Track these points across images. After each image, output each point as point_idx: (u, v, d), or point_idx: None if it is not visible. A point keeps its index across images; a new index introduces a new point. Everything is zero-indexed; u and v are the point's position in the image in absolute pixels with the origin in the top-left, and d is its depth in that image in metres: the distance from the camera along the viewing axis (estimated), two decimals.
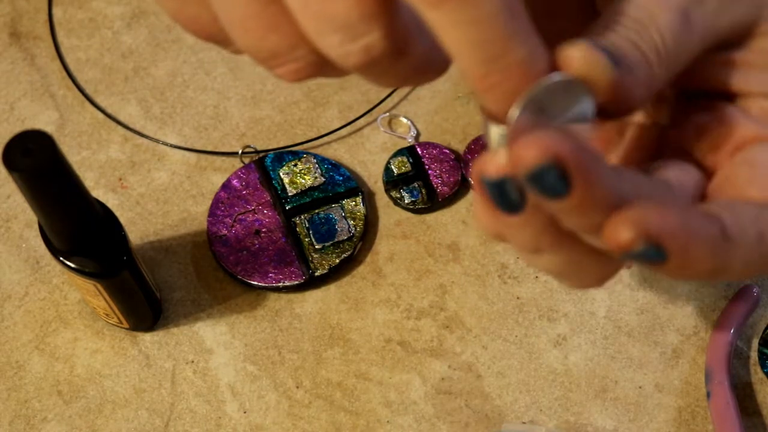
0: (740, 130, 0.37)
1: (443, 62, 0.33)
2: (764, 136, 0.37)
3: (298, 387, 0.55)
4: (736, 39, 0.36)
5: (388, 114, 0.60)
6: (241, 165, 0.59)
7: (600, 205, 0.31)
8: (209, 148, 0.60)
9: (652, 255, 0.31)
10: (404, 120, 0.60)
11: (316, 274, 0.56)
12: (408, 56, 0.32)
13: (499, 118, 0.32)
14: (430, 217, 0.58)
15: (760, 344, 0.54)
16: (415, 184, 0.58)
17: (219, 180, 0.59)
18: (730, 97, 0.38)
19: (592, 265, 0.34)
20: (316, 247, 0.56)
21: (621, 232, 0.31)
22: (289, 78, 0.33)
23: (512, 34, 0.30)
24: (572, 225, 0.32)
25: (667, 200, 0.33)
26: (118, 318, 0.54)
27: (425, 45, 0.32)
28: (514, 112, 0.31)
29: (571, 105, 0.33)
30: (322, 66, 0.33)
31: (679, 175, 0.36)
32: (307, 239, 0.57)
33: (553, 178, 0.30)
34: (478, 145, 0.59)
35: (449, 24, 0.30)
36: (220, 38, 0.34)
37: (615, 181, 0.31)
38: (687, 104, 0.38)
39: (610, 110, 0.33)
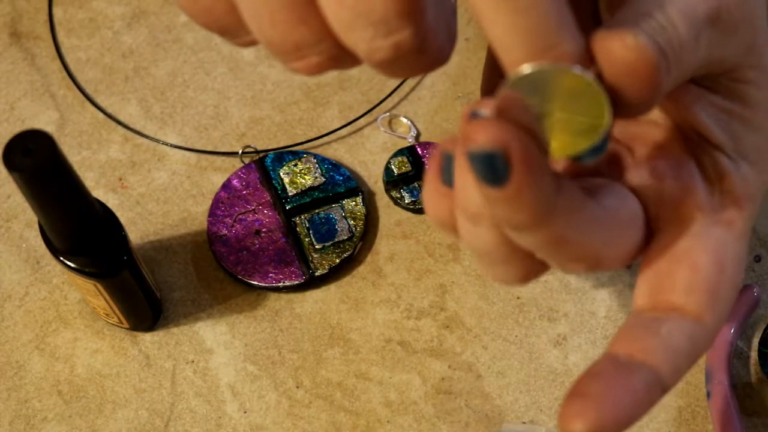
0: (694, 196, 0.37)
1: (449, 55, 0.33)
2: (709, 211, 0.37)
3: (298, 387, 0.55)
4: (715, 76, 0.37)
5: (388, 114, 0.60)
6: (242, 165, 0.59)
7: (530, 206, 0.31)
8: (209, 148, 0.60)
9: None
10: (404, 120, 0.60)
11: (316, 274, 0.56)
12: (428, 51, 0.32)
13: None
14: None
15: (760, 344, 0.54)
16: (416, 184, 0.58)
17: (219, 180, 0.59)
18: (695, 137, 0.38)
19: (524, 260, 0.35)
20: (317, 247, 0.56)
21: (575, 426, 0.34)
22: (307, 71, 0.33)
23: (563, 25, 0.31)
24: (499, 216, 0.32)
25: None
26: (118, 318, 0.54)
27: (441, 38, 0.32)
28: (510, 82, 0.31)
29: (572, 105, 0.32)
30: (342, 59, 0.33)
31: (616, 203, 0.36)
32: (307, 239, 0.57)
33: (496, 166, 0.30)
34: None
35: (504, 11, 0.30)
36: (230, 30, 0.34)
37: (551, 188, 0.32)
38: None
39: (629, 107, 0.33)
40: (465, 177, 0.33)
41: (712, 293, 0.37)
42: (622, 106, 0.33)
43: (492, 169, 0.31)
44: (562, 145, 0.33)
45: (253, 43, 0.34)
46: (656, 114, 0.38)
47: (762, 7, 0.37)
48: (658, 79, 0.32)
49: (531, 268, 0.36)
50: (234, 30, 0.34)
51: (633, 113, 0.33)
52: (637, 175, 0.38)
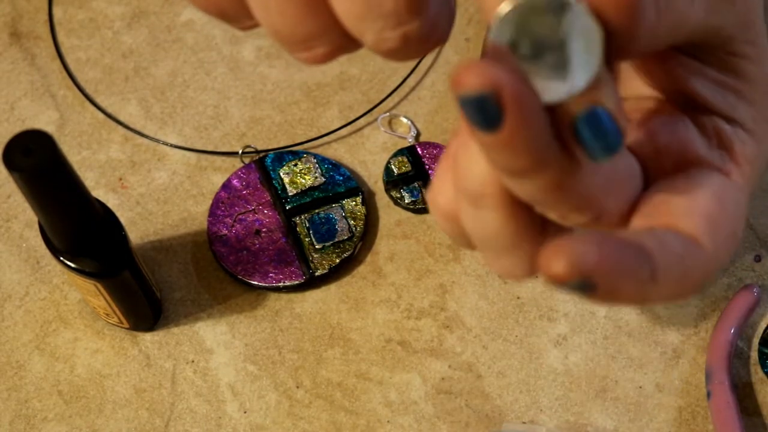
0: (690, 148, 0.37)
1: (449, 34, 0.33)
2: (708, 161, 0.37)
3: (298, 387, 0.55)
4: (711, 48, 0.37)
5: (388, 114, 0.60)
6: (242, 165, 0.59)
7: (526, 150, 0.31)
8: (209, 148, 0.60)
9: (582, 287, 0.31)
10: (404, 120, 0.60)
11: (317, 274, 0.56)
12: (433, 37, 0.32)
13: None
14: (430, 217, 0.58)
15: (760, 344, 0.54)
16: (416, 184, 0.58)
17: (219, 180, 0.59)
18: (692, 105, 0.38)
19: (529, 246, 0.35)
20: (317, 246, 0.56)
21: (555, 265, 0.31)
22: (314, 61, 0.33)
23: None
24: (496, 163, 0.32)
25: (600, 239, 0.33)
26: (119, 318, 0.54)
27: (443, 21, 0.32)
28: (495, 25, 0.31)
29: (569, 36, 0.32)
30: (347, 48, 0.33)
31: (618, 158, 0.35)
32: (307, 239, 0.57)
33: (488, 109, 0.30)
34: None
35: None
36: (232, 16, 0.34)
37: (546, 132, 0.31)
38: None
39: (613, 38, 0.33)
40: (465, 153, 0.33)
41: (710, 221, 0.36)
42: (606, 38, 0.32)
43: (484, 113, 0.30)
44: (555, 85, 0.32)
45: (254, 26, 0.34)
46: (650, 91, 0.38)
47: None
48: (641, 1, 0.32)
49: (537, 252, 0.36)
50: (237, 16, 0.34)
51: (620, 51, 0.32)
52: (630, 135, 0.37)
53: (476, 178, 0.33)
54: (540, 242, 0.35)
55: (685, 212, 0.36)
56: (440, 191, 0.36)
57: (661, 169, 0.37)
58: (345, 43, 0.33)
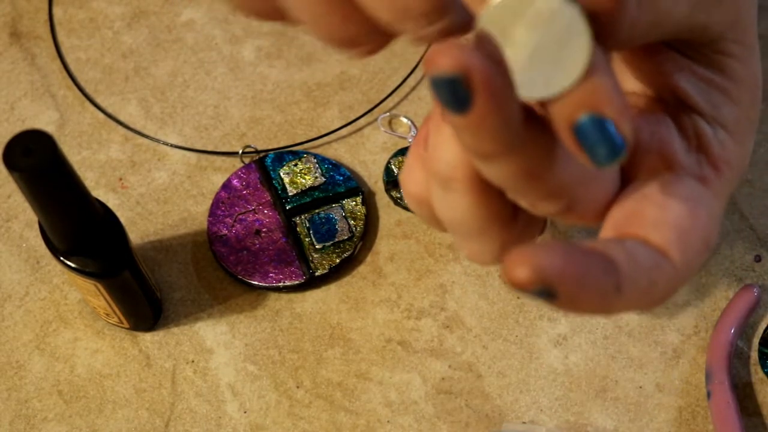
0: (669, 149, 0.37)
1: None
2: (685, 166, 0.37)
3: (298, 387, 0.55)
4: (699, 46, 0.37)
5: (388, 114, 0.60)
6: (242, 165, 0.59)
7: (495, 134, 0.31)
8: (209, 148, 0.60)
9: (543, 295, 0.32)
10: (404, 120, 0.60)
11: (317, 274, 0.56)
12: (467, 24, 0.32)
13: None
14: None
15: (760, 344, 0.54)
16: None
17: (219, 180, 0.59)
18: (676, 103, 0.38)
19: (499, 231, 0.35)
20: (317, 246, 0.56)
21: (518, 272, 0.31)
22: (361, 56, 0.34)
23: None
24: (469, 147, 0.32)
25: (568, 249, 0.33)
26: (119, 318, 0.54)
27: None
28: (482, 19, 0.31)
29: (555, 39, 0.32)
30: (389, 41, 0.33)
31: None
32: (307, 239, 0.57)
33: (458, 91, 0.30)
34: None
35: None
36: (277, 18, 0.35)
37: (516, 117, 0.31)
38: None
39: (597, 25, 0.33)
40: (438, 137, 0.33)
41: (680, 233, 0.36)
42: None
43: (454, 94, 0.30)
44: (546, 77, 0.32)
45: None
46: (636, 85, 0.38)
47: None
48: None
49: (507, 238, 0.36)
50: (279, 18, 0.34)
51: (604, 39, 0.33)
52: None
53: (447, 162, 0.34)
54: (510, 229, 0.35)
55: (656, 224, 0.36)
56: (412, 174, 0.37)
57: (638, 167, 0.37)
58: (388, 39, 0.33)
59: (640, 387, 0.54)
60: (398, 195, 0.58)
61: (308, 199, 0.58)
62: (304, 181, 0.58)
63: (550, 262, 0.31)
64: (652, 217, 0.36)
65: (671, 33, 0.35)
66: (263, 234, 0.57)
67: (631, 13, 0.33)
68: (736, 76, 0.38)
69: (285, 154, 0.59)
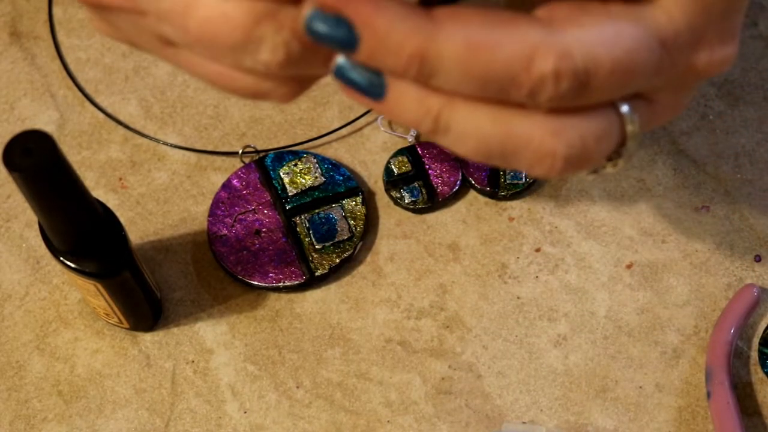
0: None
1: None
2: None
3: (298, 387, 0.55)
4: None
5: None
6: (242, 165, 0.59)
7: (397, 51, 0.31)
8: (209, 148, 0.60)
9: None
10: None
11: (317, 274, 0.56)
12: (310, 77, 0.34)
13: None
14: (430, 217, 0.58)
15: (760, 344, 0.54)
16: (416, 184, 0.58)
17: (219, 180, 0.59)
18: None
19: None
20: (317, 246, 0.56)
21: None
22: (282, 102, 0.34)
23: None
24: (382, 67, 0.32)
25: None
26: (119, 318, 0.54)
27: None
28: None
29: None
30: (307, 84, 0.34)
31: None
32: (307, 239, 0.57)
33: (338, 30, 0.30)
34: None
35: None
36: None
37: (407, 26, 0.31)
38: None
39: None
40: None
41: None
42: None
43: (336, 31, 0.31)
44: None
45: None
46: None
47: None
48: None
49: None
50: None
51: None
52: None
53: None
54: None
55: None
56: None
57: None
58: (301, 86, 0.34)
59: (640, 387, 0.54)
60: (398, 195, 0.58)
61: (308, 199, 0.58)
62: (304, 181, 0.58)
63: None
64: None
65: None
66: (263, 234, 0.57)
67: None
68: None
69: (285, 154, 0.59)
